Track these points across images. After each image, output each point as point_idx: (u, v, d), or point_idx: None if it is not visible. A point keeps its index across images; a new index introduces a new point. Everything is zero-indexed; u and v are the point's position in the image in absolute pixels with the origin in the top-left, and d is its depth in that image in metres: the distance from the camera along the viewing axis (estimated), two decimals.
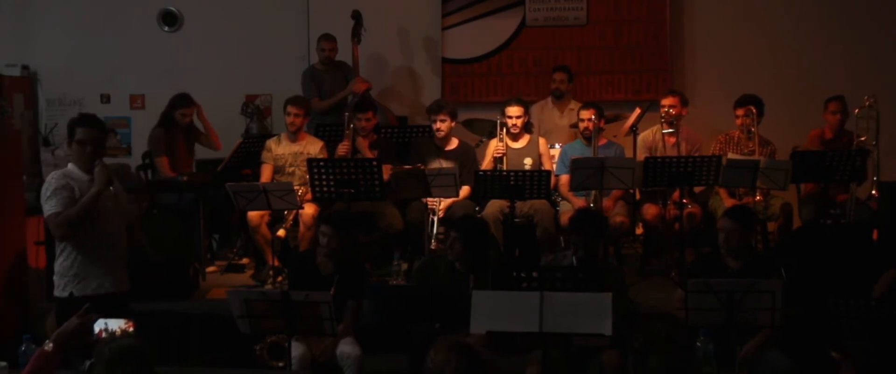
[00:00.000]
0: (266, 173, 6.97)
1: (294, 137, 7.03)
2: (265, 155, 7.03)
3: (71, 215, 4.72)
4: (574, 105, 7.98)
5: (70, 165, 4.90)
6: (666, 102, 7.08)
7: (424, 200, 6.59)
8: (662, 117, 7.04)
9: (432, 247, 6.33)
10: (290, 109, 7.00)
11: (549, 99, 8.03)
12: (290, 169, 6.97)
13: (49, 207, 4.77)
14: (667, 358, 3.16)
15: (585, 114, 6.94)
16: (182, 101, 7.39)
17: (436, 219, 6.48)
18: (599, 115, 6.94)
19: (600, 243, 5.72)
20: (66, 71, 9.20)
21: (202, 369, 5.63)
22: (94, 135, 4.84)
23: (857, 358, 3.70)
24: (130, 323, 4.16)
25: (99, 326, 4.04)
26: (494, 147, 6.98)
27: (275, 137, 7.17)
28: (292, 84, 8.13)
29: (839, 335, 4.25)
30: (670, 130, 6.99)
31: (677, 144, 6.96)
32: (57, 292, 4.92)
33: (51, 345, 3.60)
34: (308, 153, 6.93)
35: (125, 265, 5.05)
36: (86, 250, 4.85)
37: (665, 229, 6.72)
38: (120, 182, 5.10)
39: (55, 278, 4.93)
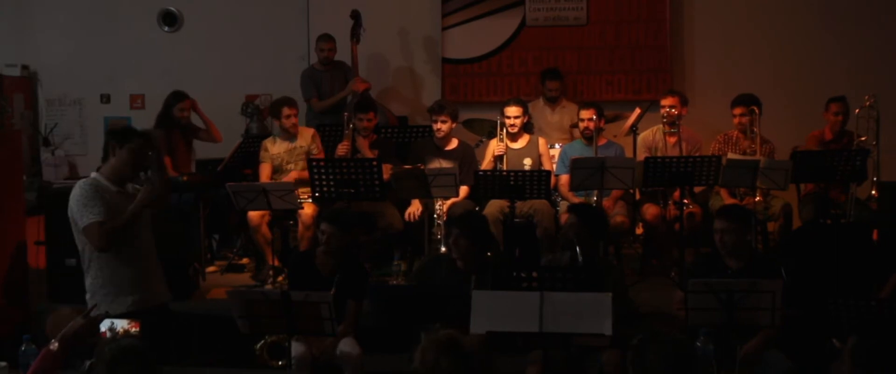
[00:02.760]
0: (265, 172, 7.00)
1: (290, 136, 7.05)
2: (263, 155, 7.06)
3: (117, 226, 4.55)
4: (566, 102, 8.00)
5: (94, 175, 4.70)
6: (666, 102, 7.09)
7: (421, 208, 6.59)
8: (664, 117, 7.05)
9: (442, 251, 6.30)
10: (288, 111, 7.02)
11: (541, 99, 8.06)
12: (288, 166, 7.01)
13: (91, 215, 4.54)
14: (664, 355, 3.16)
15: (585, 114, 6.94)
16: (177, 97, 7.41)
17: (441, 223, 6.47)
18: (599, 115, 6.94)
19: (600, 243, 5.71)
20: (66, 71, 9.21)
21: (202, 369, 5.63)
22: (150, 147, 4.74)
23: (855, 353, 3.69)
24: (135, 323, 4.16)
25: (104, 326, 4.04)
26: (494, 147, 6.98)
27: (270, 137, 7.20)
28: (292, 84, 8.14)
29: (840, 334, 4.25)
30: (671, 130, 6.99)
31: (678, 144, 6.96)
32: (93, 312, 4.62)
33: (56, 344, 3.60)
34: (301, 145, 7.01)
35: (162, 276, 4.93)
36: (118, 265, 4.67)
37: (665, 229, 6.72)
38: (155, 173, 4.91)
39: (87, 295, 4.69)
